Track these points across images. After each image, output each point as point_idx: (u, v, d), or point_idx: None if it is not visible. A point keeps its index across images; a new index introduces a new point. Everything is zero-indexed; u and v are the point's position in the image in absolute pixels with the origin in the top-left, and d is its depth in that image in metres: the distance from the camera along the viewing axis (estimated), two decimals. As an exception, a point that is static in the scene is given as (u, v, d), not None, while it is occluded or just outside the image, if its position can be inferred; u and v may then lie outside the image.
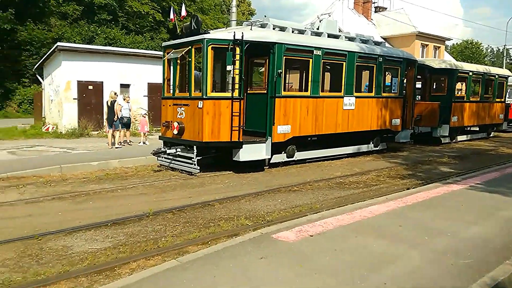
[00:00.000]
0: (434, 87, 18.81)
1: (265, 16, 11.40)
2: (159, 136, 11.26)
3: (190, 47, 9.91)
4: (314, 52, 11.22)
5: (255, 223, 6.09)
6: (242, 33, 9.65)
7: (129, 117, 14.63)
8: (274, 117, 10.40)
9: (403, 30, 36.90)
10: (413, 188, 8.33)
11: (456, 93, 18.01)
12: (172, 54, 10.37)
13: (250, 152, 10.16)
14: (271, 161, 10.84)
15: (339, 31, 13.27)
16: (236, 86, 9.71)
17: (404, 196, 7.10)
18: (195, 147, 9.80)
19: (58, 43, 17.78)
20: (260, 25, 11.00)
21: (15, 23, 33.35)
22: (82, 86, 17.62)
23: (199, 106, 9.68)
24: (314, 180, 9.43)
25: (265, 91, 10.74)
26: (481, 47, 68.91)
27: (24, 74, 35.69)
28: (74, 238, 5.52)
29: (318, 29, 12.39)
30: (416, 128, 16.76)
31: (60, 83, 17.48)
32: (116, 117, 13.61)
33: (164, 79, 11.11)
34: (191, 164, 9.89)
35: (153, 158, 11.18)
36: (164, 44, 11.12)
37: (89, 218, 6.34)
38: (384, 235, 5.09)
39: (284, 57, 10.48)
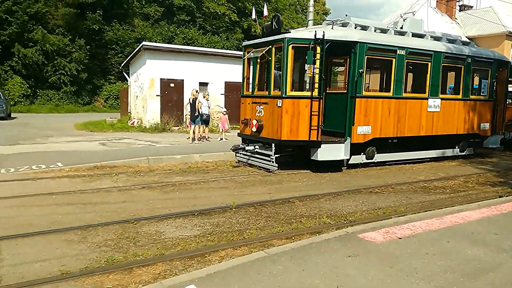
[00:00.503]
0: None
1: (346, 15, 11.23)
2: (238, 133, 11.59)
3: (270, 46, 10.07)
4: (398, 52, 10.83)
5: (337, 222, 6.05)
6: (324, 32, 9.60)
7: (209, 114, 15.26)
8: (354, 117, 10.21)
9: (492, 30, 34.18)
10: (507, 196, 7.73)
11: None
12: (252, 54, 10.61)
13: (329, 152, 10.09)
14: (349, 162, 10.68)
15: (424, 31, 12.66)
16: (316, 85, 9.70)
17: (498, 204, 6.63)
18: (273, 144, 9.95)
19: (144, 43, 19.01)
20: (341, 24, 10.88)
21: (102, 23, 36.09)
22: (165, 83, 18.67)
23: (278, 105, 9.81)
24: (396, 183, 9.14)
25: (345, 91, 10.60)
26: None
27: (110, 71, 38.54)
28: (165, 224, 5.89)
29: (402, 28, 11.94)
30: (507, 134, 15.49)
31: (145, 80, 18.67)
32: (197, 113, 14.26)
33: (243, 78, 11.40)
34: (269, 161, 10.06)
35: (231, 154, 11.54)
36: (244, 43, 11.40)
37: (177, 207, 6.72)
38: (479, 242, 4.80)
39: (366, 57, 10.26)
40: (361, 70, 10.16)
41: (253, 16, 11.22)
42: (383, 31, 11.24)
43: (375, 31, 10.95)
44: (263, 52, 10.11)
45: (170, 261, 4.60)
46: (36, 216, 6.09)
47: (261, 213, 6.54)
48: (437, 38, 12.41)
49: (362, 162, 10.95)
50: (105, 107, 37.42)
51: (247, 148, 10.59)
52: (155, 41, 38.06)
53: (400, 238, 4.83)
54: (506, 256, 4.40)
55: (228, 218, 6.22)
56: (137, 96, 20.40)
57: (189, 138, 14.58)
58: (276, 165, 9.90)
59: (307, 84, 9.93)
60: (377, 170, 10.87)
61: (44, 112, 29.54)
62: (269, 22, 10.32)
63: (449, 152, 12.96)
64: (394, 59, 10.85)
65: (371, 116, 10.58)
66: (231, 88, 20.15)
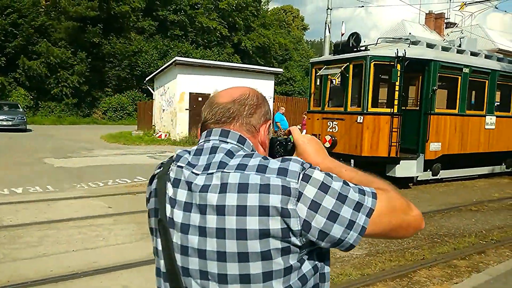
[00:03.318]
0: None
1: (409, 33, 11.38)
2: (305, 148, 11.44)
3: (348, 63, 10.06)
4: (463, 70, 11.03)
5: (486, 242, 5.98)
6: (405, 50, 9.67)
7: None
8: (428, 134, 10.27)
9: (482, 47, 35.48)
10: None
11: None
12: (328, 70, 10.55)
13: (405, 168, 10.08)
14: (418, 179, 10.68)
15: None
16: (395, 102, 9.72)
17: None
18: (352, 160, 9.85)
19: (176, 58, 18.76)
20: (411, 43, 10.98)
21: (101, 37, 35.51)
22: (193, 97, 18.38)
23: (358, 121, 9.76)
24: (480, 201, 9.17)
25: (417, 108, 10.66)
26: None
27: (107, 84, 37.78)
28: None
29: (460, 46, 12.19)
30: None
31: (174, 94, 18.34)
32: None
33: (310, 94, 11.33)
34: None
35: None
36: (313, 60, 11.39)
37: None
38: None
39: (438, 74, 10.39)
40: (434, 88, 10.26)
41: (343, 30, 11.06)
42: (446, 49, 11.43)
43: (442, 49, 11.12)
44: (342, 69, 10.07)
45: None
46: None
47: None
48: (488, 56, 12.73)
49: (429, 178, 10.99)
50: (104, 119, 36.60)
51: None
52: (152, 55, 37.74)
53: None
54: None
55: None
56: (163, 109, 19.99)
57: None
58: (356, 182, 9.78)
59: (388, 101, 9.94)
60: (443, 187, 10.91)
61: (48, 124, 28.57)
62: (345, 39, 10.31)
63: (497, 168, 13.20)
64: (460, 77, 11.02)
65: (441, 133, 10.67)
66: (255, 103, 20.00)
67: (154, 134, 19.50)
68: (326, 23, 18.41)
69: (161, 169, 1.10)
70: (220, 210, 0.94)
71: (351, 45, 10.12)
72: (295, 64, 42.43)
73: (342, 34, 11.22)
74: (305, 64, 46.97)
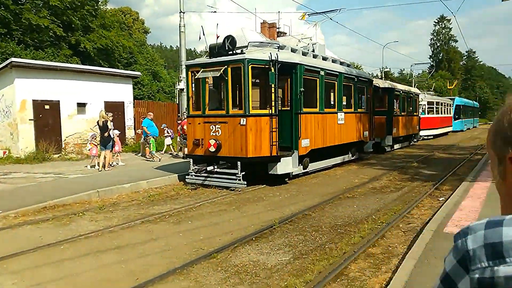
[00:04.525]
0: (377, 103, 21.47)
1: (273, 39, 12.18)
2: (186, 154, 11.17)
3: (226, 66, 10.22)
4: (320, 73, 12.40)
5: (378, 226, 6.88)
6: (277, 54, 10.35)
7: (113, 137, 13.94)
8: (300, 131, 11.21)
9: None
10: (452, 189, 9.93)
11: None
12: (205, 73, 10.49)
13: (285, 165, 10.79)
14: (293, 173, 11.56)
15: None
16: (273, 103, 10.33)
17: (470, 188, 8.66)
18: (239, 163, 10.07)
19: (12, 59, 15.90)
20: (276, 47, 11.77)
21: None
22: (38, 105, 16.02)
23: (241, 123, 10.03)
24: (349, 187, 10.45)
25: (288, 108, 11.51)
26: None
27: None
28: (247, 250, 5.64)
29: (314, 51, 13.61)
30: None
31: (12, 102, 15.65)
32: (108, 137, 12.92)
33: (188, 98, 11.10)
34: (235, 179, 10.11)
35: (175, 177, 11.09)
36: (187, 63, 11.17)
37: (225, 234, 6.40)
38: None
39: (303, 77, 11.43)
40: (302, 89, 11.26)
41: (201, 36, 10.96)
42: (305, 54, 12.64)
43: (303, 54, 12.25)
44: (221, 71, 10.16)
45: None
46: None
47: (305, 227, 6.82)
48: (334, 61, 14.57)
49: (301, 172, 12.01)
50: None
51: (208, 168, 10.37)
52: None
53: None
54: None
55: (298, 236, 6.30)
56: (-1, 121, 16.80)
57: (93, 165, 13.05)
58: (245, 182, 10.05)
59: (266, 103, 10.45)
60: (312, 179, 12.06)
61: None
62: (220, 42, 10.42)
63: (347, 157, 15.26)
64: (318, 79, 12.35)
65: (309, 130, 11.78)
66: (112, 108, 18.58)
67: (-12, 152, 16.24)
68: (180, 26, 18.27)
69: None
70: None
71: (227, 48, 10.31)
72: (141, 68, 40.69)
73: (217, 37, 11.31)
74: (151, 67, 45.61)
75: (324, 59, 13.73)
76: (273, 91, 10.32)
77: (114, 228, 6.82)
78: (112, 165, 13.72)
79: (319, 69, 12.32)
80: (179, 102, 18.84)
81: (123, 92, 19.28)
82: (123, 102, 19.35)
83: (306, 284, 4.51)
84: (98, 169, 12.93)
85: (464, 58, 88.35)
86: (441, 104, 32.86)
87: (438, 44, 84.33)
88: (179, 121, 16.48)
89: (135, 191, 9.96)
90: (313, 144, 11.99)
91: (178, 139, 17.01)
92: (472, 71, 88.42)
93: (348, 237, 6.26)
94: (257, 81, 11.05)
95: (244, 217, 7.54)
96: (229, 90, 10.26)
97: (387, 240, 6.08)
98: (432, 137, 29.88)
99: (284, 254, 5.54)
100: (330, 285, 4.54)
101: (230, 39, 10.32)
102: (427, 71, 58.39)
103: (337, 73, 13.58)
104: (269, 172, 10.69)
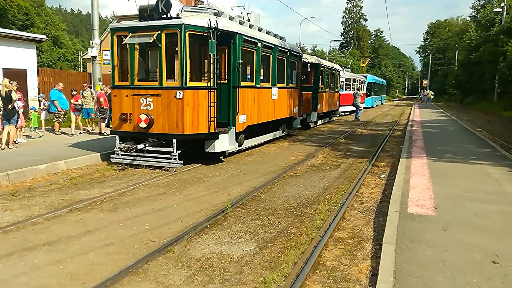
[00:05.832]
0: (303, 78, 21.51)
1: (208, 4, 11.20)
2: (112, 130, 9.87)
3: (159, 31, 9.07)
4: (258, 44, 11.77)
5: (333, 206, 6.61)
6: (216, 21, 9.46)
7: (17, 110, 11.95)
8: (238, 107, 10.55)
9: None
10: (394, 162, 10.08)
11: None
12: (135, 39, 9.20)
13: (222, 142, 10.10)
14: (228, 151, 10.93)
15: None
16: (211, 75, 9.49)
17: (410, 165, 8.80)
18: (174, 140, 9.14)
19: None
20: (213, 13, 10.81)
21: None
22: None
23: (178, 97, 9.06)
24: (288, 165, 10.14)
25: (226, 81, 10.72)
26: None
27: None
28: (206, 240, 4.95)
29: (249, 21, 12.84)
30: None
31: None
32: (13, 110, 10.99)
33: (113, 66, 9.72)
34: (170, 158, 9.18)
35: (97, 156, 9.85)
36: (113, 25, 9.72)
37: (173, 222, 5.62)
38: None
39: (242, 48, 10.70)
40: (240, 61, 10.54)
41: None
42: (241, 23, 11.83)
43: (240, 23, 11.43)
44: (154, 37, 8.97)
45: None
46: None
47: (259, 211, 6.30)
48: (268, 32, 13.97)
49: (236, 149, 11.43)
50: None
51: (139, 147, 9.26)
52: None
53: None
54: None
55: (255, 221, 5.74)
56: None
57: (1, 143, 11.06)
58: (181, 162, 9.18)
59: (204, 74, 9.55)
60: (249, 156, 11.57)
61: None
62: (152, 4, 9.18)
63: (277, 133, 15.02)
64: (255, 51, 11.72)
65: (245, 105, 11.17)
66: (12, 76, 16.01)
67: None
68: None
69: None
70: None
71: (160, 11, 9.13)
72: (39, 32, 36.11)
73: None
74: (51, 32, 40.98)
75: (259, 30, 13.07)
76: (212, 62, 9.46)
77: (38, 219, 5.65)
78: (16, 142, 11.80)
79: (256, 41, 11.67)
80: (92, 71, 16.94)
81: (25, 58, 16.67)
82: (25, 69, 16.79)
83: (286, 278, 4.01)
84: (1, 146, 10.99)
85: (372, 37, 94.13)
86: (357, 81, 34.37)
87: (350, 22, 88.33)
88: (74, 93, 14.61)
89: (52, 173, 8.55)
90: (249, 120, 11.43)
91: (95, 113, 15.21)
92: (379, 50, 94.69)
93: (308, 220, 5.89)
94: (195, 50, 10.04)
95: (189, 201, 6.79)
96: (163, 59, 9.14)
97: (349, 222, 5.83)
98: (348, 113, 31.20)
99: (247, 243, 4.97)
100: (311, 277, 4.10)
101: (165, 1, 9.14)
102: (338, 49, 61.01)
103: (272, 46, 13.07)
104: (206, 150, 9.94)
